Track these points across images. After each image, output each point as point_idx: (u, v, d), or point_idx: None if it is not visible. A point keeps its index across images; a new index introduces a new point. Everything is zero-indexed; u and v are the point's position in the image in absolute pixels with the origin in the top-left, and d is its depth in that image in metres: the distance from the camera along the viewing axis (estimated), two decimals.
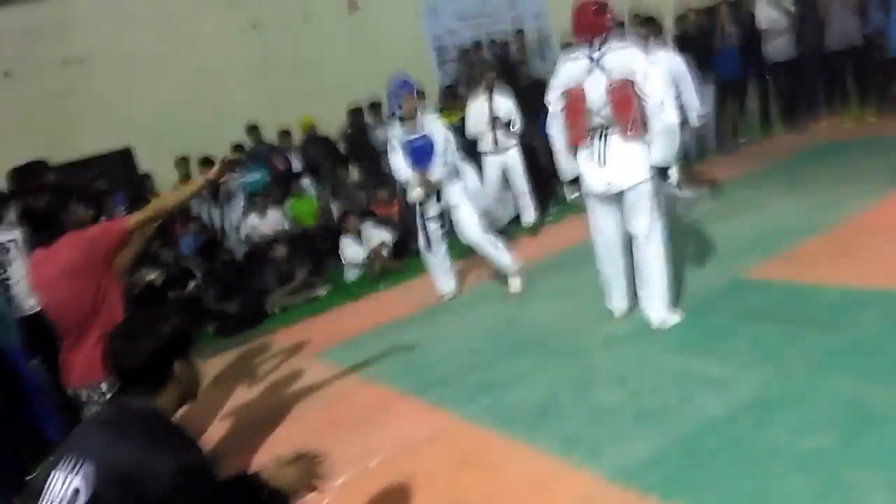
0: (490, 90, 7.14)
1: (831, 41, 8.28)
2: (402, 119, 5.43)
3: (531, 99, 9.45)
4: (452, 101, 8.74)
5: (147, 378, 1.86)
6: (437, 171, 5.36)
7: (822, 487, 2.41)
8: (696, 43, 8.51)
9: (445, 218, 5.63)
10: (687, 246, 5.43)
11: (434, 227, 5.58)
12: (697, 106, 6.06)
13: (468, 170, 7.01)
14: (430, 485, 3.07)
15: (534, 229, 7.35)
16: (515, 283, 5.48)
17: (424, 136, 5.40)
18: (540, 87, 9.70)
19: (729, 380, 3.28)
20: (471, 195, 5.85)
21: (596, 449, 3.03)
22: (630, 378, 3.57)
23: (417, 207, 5.57)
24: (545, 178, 8.78)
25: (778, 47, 8.57)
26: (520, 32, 11.90)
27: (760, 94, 9.06)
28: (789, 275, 4.36)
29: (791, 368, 3.25)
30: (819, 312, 3.74)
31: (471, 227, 5.47)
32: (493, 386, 3.92)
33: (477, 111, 7.17)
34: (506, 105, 7.15)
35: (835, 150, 7.41)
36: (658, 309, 4.03)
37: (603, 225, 4.16)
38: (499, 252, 5.49)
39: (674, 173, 4.17)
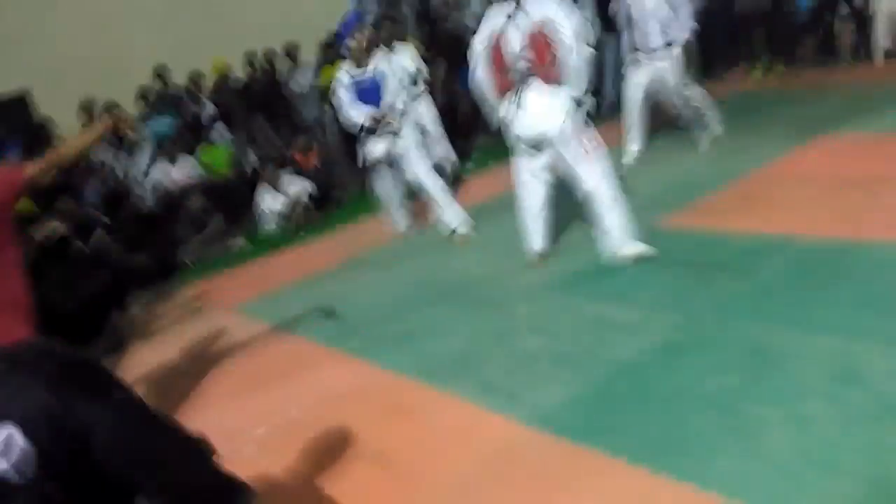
0: (388, 45, 6.80)
1: (741, 5, 8.55)
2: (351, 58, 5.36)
3: (452, 51, 9.36)
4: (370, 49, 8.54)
5: (83, 328, 1.74)
6: (385, 110, 5.29)
7: (726, 424, 2.53)
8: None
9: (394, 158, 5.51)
10: None
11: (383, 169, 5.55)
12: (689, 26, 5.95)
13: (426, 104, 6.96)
14: (353, 434, 3.07)
15: (461, 176, 7.41)
16: (463, 230, 5.43)
17: (373, 77, 5.28)
18: (460, 39, 9.66)
19: (641, 325, 3.40)
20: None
21: (514, 395, 3.09)
22: (548, 325, 3.65)
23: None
24: (465, 129, 8.78)
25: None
26: None
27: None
28: (701, 223, 4.52)
29: (700, 313, 3.38)
30: (728, 259, 3.89)
31: (420, 167, 5.41)
32: (416, 336, 3.94)
33: (400, 60, 7.00)
34: (408, 59, 6.93)
35: (745, 101, 7.66)
36: (625, 242, 4.11)
37: (526, 173, 4.22)
38: (446, 198, 5.45)
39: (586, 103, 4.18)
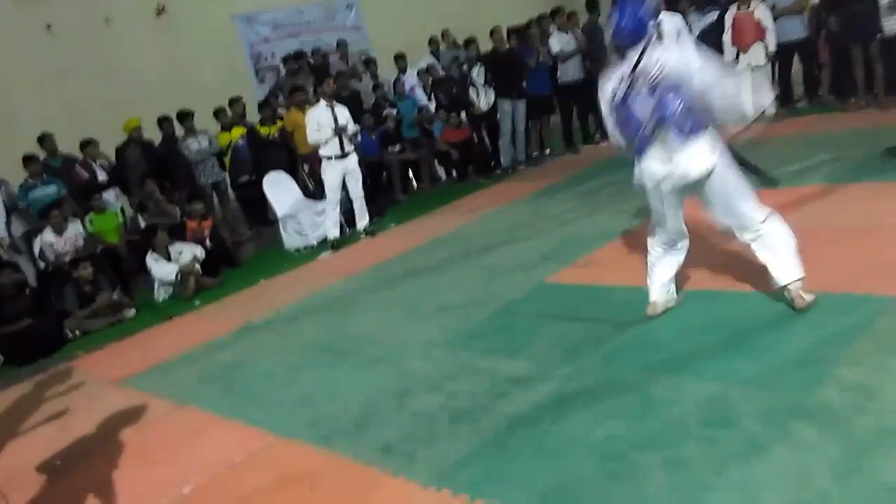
0: (332, 97, 7.41)
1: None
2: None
3: (353, 111, 9.55)
4: (271, 114, 8.67)
5: None
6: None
7: (612, 471, 2.64)
8: (508, 61, 9.06)
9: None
10: (497, 253, 5.76)
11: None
12: None
13: None
14: None
15: (369, 234, 7.60)
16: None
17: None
18: (359, 100, 9.87)
19: (534, 378, 3.50)
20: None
21: (412, 455, 3.10)
22: (445, 382, 3.70)
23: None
24: (382, 185, 8.94)
25: (566, 70, 9.30)
26: (341, 44, 11.88)
27: (562, 111, 9.76)
28: (586, 278, 4.75)
29: (588, 364, 3.52)
30: (610, 310, 4.09)
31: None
32: (312, 400, 3.89)
33: (319, 117, 7.25)
34: (345, 112, 7.42)
35: (622, 163, 8.13)
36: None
37: None
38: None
39: None
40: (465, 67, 9.86)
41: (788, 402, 2.78)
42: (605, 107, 3.60)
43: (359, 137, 7.68)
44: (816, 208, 4.88)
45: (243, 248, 8.61)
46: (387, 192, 9.57)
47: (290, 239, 7.87)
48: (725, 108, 3.29)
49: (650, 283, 3.89)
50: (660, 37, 3.42)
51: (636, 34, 3.41)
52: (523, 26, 9.55)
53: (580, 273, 4.89)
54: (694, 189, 3.46)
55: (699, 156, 3.33)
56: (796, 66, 8.74)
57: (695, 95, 3.26)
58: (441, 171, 10.13)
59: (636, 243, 5.24)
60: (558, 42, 9.32)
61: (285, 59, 10.94)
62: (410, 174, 9.91)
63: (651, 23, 3.51)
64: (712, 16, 8.81)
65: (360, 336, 4.73)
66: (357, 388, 3.91)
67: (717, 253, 4.55)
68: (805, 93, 8.89)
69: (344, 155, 7.36)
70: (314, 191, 8.20)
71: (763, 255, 3.50)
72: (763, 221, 3.43)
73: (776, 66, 8.65)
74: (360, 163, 7.74)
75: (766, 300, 3.66)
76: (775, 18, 8.26)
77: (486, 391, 3.49)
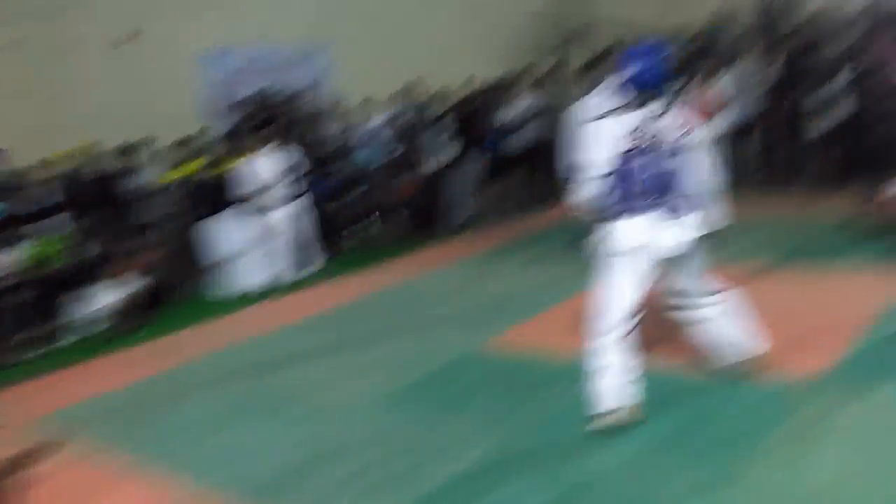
0: (280, 142, 7.37)
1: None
2: None
3: (319, 154, 9.52)
4: (232, 149, 8.61)
5: None
6: None
7: None
8: (476, 117, 9.20)
9: None
10: (437, 313, 5.74)
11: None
12: None
13: None
14: None
15: (313, 281, 7.47)
16: None
17: None
18: (322, 144, 9.86)
19: (457, 447, 3.46)
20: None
21: None
22: (364, 448, 3.63)
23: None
24: (332, 233, 8.84)
25: (528, 132, 9.45)
26: (311, 87, 11.93)
27: (526, 172, 9.87)
28: (527, 344, 4.75)
29: (519, 433, 3.51)
30: (548, 379, 4.09)
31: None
32: (237, 451, 3.83)
33: (258, 164, 7.14)
34: (293, 158, 7.36)
35: (566, 231, 8.25)
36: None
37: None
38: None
39: None
40: (430, 121, 9.98)
41: (717, 477, 2.85)
42: (595, 149, 3.35)
43: (304, 184, 7.59)
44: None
45: (181, 288, 8.44)
46: (336, 240, 9.52)
47: (232, 282, 7.76)
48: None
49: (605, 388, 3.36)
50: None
51: (658, 84, 3.33)
52: (491, 85, 9.72)
53: (523, 337, 4.90)
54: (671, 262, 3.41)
55: (691, 227, 3.34)
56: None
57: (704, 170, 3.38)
58: (393, 224, 10.10)
59: (577, 313, 5.29)
60: (526, 103, 9.48)
61: (246, 100, 10.95)
62: (362, 223, 9.84)
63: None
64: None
65: (288, 390, 4.64)
66: (285, 441, 3.84)
67: (661, 325, 4.63)
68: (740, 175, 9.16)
69: (286, 201, 7.27)
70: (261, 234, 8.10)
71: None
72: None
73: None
74: (313, 207, 7.71)
75: (703, 377, 3.72)
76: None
77: (415, 455, 3.45)
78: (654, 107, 3.32)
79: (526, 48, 16.66)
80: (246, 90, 12.11)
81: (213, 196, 8.34)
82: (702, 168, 3.37)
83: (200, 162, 8.68)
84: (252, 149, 8.17)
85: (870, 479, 2.72)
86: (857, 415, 3.17)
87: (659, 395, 3.63)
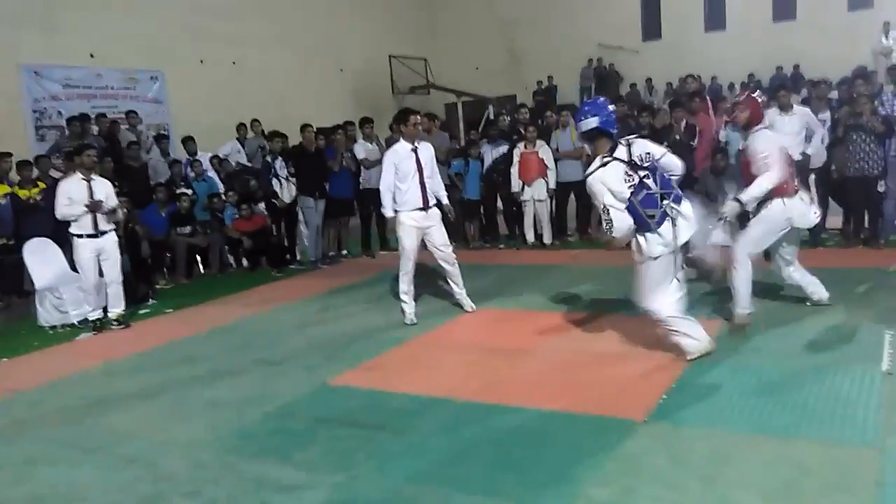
0: (90, 170, 6.67)
1: None
2: None
3: (138, 184, 9.03)
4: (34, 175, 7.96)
5: None
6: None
7: None
8: (314, 159, 9.17)
9: None
10: (280, 350, 5.59)
11: None
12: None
13: None
14: None
15: (121, 325, 6.84)
16: None
17: None
18: (144, 172, 9.41)
19: (304, 486, 3.35)
20: None
21: None
22: (204, 488, 3.41)
23: None
24: (145, 268, 8.36)
25: (370, 177, 9.54)
26: (132, 113, 11.35)
27: (362, 215, 9.94)
28: (368, 382, 4.73)
29: (359, 472, 3.45)
30: (388, 418, 4.09)
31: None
32: (47, 502, 3.40)
33: (72, 191, 6.51)
34: (105, 187, 6.69)
35: (420, 271, 8.42)
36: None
37: None
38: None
39: None
40: (268, 158, 9.81)
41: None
42: (611, 197, 4.27)
43: (120, 214, 6.97)
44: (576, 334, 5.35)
45: None
46: (169, 274, 9.03)
47: (47, 314, 7.04)
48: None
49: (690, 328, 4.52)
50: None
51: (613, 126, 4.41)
52: (330, 129, 9.76)
53: (364, 376, 4.87)
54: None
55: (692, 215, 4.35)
56: (572, 203, 9.76)
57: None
58: (231, 259, 9.77)
59: (423, 350, 5.38)
60: (363, 149, 9.64)
61: (70, 121, 10.21)
62: (198, 258, 9.45)
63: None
64: (502, 148, 9.67)
65: (113, 430, 4.25)
66: (101, 490, 3.48)
67: (504, 366, 4.79)
68: (577, 228, 9.90)
69: (98, 234, 6.57)
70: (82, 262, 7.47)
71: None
72: None
73: (553, 202, 9.59)
74: (144, 240, 7.23)
75: (535, 417, 3.88)
76: (556, 161, 9.27)
77: (249, 499, 3.28)
78: (621, 150, 4.31)
79: (362, 100, 17.10)
80: (68, 111, 11.31)
81: (32, 218, 7.66)
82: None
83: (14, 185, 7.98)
84: (68, 172, 7.60)
85: None
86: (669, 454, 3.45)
87: (497, 433, 3.78)
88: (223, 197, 9.64)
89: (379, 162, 9.52)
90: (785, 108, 7.83)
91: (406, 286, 6.09)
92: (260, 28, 15.48)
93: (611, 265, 7.80)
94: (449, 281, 6.35)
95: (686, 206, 4.32)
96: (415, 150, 6.02)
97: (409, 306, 6.10)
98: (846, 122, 7.79)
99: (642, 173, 4.22)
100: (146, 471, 3.65)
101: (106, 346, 6.25)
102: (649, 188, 4.20)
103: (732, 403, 3.88)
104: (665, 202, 4.22)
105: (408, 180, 5.97)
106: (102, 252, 6.62)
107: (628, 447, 3.47)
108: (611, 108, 4.43)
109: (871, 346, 4.56)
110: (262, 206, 9.67)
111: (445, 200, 6.36)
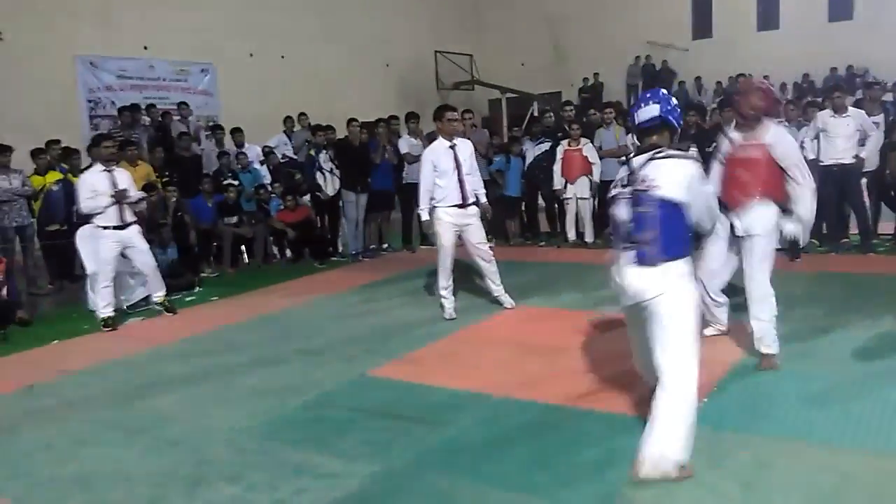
0: (109, 161, 6.65)
1: None
2: None
3: (188, 174, 9.22)
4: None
5: None
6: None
7: None
8: (358, 153, 9.26)
9: None
10: (321, 340, 5.67)
11: None
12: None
13: None
14: None
15: (168, 310, 6.98)
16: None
17: None
18: (198, 162, 9.61)
19: (340, 474, 3.40)
20: None
21: None
22: (245, 472, 3.48)
23: None
24: (192, 256, 8.54)
25: (412, 171, 9.62)
26: (183, 104, 11.60)
27: (403, 210, 10.01)
28: (406, 375, 4.76)
29: (396, 464, 3.49)
30: (426, 411, 4.12)
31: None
32: (92, 481, 3.50)
33: (95, 183, 6.48)
34: (126, 178, 6.70)
35: (459, 267, 8.43)
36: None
37: None
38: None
39: None
40: (313, 152, 9.93)
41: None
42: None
43: (143, 204, 7.02)
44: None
45: (40, 303, 7.83)
46: (215, 263, 9.22)
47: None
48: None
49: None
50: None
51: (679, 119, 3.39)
52: (372, 123, 9.85)
53: (403, 369, 4.90)
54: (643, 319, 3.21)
55: (653, 279, 3.12)
56: None
57: (682, 222, 3.17)
58: (275, 250, 9.94)
59: (461, 345, 5.40)
60: (407, 144, 9.68)
61: (121, 110, 10.49)
62: (243, 248, 9.63)
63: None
64: (545, 145, 9.62)
65: (158, 413, 4.36)
66: (146, 471, 3.58)
67: (543, 364, 4.78)
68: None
69: (124, 225, 6.55)
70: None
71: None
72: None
73: (596, 200, 9.51)
74: (192, 229, 7.38)
75: (572, 416, 3.87)
76: (601, 158, 9.18)
77: (288, 485, 3.33)
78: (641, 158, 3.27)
79: (407, 95, 17.17)
80: (121, 102, 11.61)
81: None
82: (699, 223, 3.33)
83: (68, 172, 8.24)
84: (129, 162, 7.85)
85: None
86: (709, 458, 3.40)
87: (535, 429, 3.78)
88: (269, 188, 9.78)
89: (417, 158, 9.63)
90: (839, 109, 7.64)
91: (444, 282, 6.11)
92: (308, 23, 15.67)
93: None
94: (486, 279, 6.33)
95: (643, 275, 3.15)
96: (453, 147, 6.02)
97: (448, 301, 6.12)
98: None
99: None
100: (189, 454, 3.75)
101: (153, 332, 6.42)
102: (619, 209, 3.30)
103: (775, 409, 3.81)
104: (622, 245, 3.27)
105: (446, 177, 5.97)
106: (129, 244, 6.59)
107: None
108: (674, 101, 3.48)
109: None
110: (306, 198, 9.80)
111: (484, 199, 6.35)
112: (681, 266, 3.15)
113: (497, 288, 6.31)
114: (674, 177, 3.12)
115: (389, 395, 4.42)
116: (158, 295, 6.94)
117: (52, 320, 7.08)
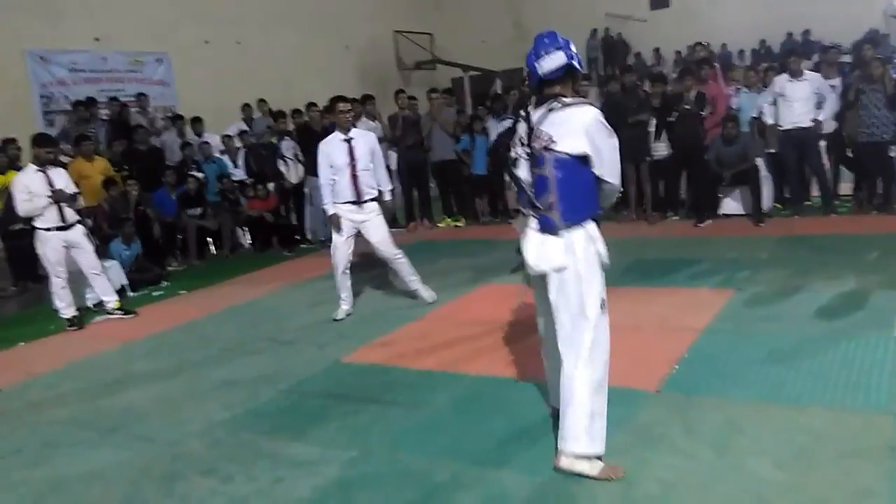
0: (46, 162, 6.30)
1: (435, 155, 9.72)
2: None
3: (153, 166, 9.04)
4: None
5: None
6: None
7: None
8: (319, 139, 9.12)
9: None
10: (292, 328, 5.63)
11: None
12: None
13: None
14: None
15: (127, 313, 6.73)
16: None
17: None
18: (159, 154, 9.42)
19: (317, 462, 3.38)
20: None
21: None
22: (221, 465, 3.46)
23: None
24: (157, 250, 8.40)
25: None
26: (142, 96, 11.34)
27: None
28: (379, 359, 4.75)
29: (373, 447, 3.48)
30: (401, 393, 4.12)
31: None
32: (67, 484, 3.44)
33: (30, 184, 6.17)
34: (63, 177, 6.42)
35: (430, 247, 8.43)
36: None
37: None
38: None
39: None
40: (274, 139, 9.78)
41: (559, 489, 2.93)
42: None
43: (80, 202, 6.66)
44: None
45: (4, 305, 7.65)
46: (181, 255, 9.08)
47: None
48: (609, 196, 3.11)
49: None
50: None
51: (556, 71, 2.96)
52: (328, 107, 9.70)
53: (375, 353, 4.89)
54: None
55: (555, 249, 2.93)
56: None
57: (586, 180, 2.93)
58: (243, 240, 9.81)
59: (433, 327, 5.39)
60: (364, 127, 9.56)
61: (75, 105, 10.22)
62: (209, 239, 9.49)
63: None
64: (507, 122, 9.59)
65: (130, 411, 4.30)
66: (120, 469, 3.53)
67: (515, 341, 4.80)
68: None
69: (67, 226, 6.30)
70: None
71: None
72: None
73: None
74: (156, 222, 7.24)
75: (547, 390, 3.89)
76: None
77: (266, 475, 3.32)
78: (540, 110, 3.03)
79: (368, 77, 16.98)
80: (75, 96, 11.31)
81: None
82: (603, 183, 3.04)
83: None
84: (85, 157, 7.66)
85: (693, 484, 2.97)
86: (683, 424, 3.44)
87: (510, 408, 3.79)
88: (231, 178, 9.64)
89: (381, 140, 9.54)
90: (795, 73, 7.74)
91: (338, 282, 5.78)
92: (263, 7, 15.37)
93: (616, 237, 7.79)
94: (399, 276, 6.01)
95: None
96: (348, 141, 5.65)
97: (345, 303, 5.84)
98: (857, 86, 7.69)
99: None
100: (163, 450, 3.70)
101: (120, 329, 6.31)
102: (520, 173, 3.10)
103: (745, 372, 3.88)
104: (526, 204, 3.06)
105: (340, 172, 5.61)
106: (73, 244, 6.36)
107: (641, 418, 3.47)
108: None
109: (884, 313, 4.54)
110: (271, 186, 9.68)
111: (388, 196, 5.99)
112: (586, 231, 2.96)
113: (413, 281, 5.96)
114: (573, 127, 2.85)
115: (364, 380, 4.41)
116: (111, 300, 6.65)
117: (17, 322, 6.93)
